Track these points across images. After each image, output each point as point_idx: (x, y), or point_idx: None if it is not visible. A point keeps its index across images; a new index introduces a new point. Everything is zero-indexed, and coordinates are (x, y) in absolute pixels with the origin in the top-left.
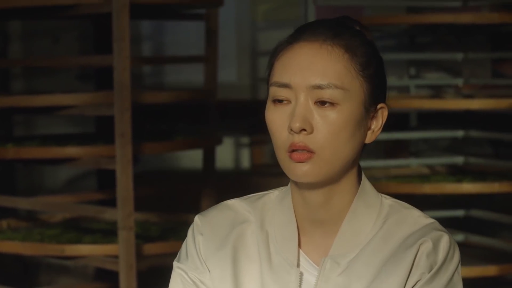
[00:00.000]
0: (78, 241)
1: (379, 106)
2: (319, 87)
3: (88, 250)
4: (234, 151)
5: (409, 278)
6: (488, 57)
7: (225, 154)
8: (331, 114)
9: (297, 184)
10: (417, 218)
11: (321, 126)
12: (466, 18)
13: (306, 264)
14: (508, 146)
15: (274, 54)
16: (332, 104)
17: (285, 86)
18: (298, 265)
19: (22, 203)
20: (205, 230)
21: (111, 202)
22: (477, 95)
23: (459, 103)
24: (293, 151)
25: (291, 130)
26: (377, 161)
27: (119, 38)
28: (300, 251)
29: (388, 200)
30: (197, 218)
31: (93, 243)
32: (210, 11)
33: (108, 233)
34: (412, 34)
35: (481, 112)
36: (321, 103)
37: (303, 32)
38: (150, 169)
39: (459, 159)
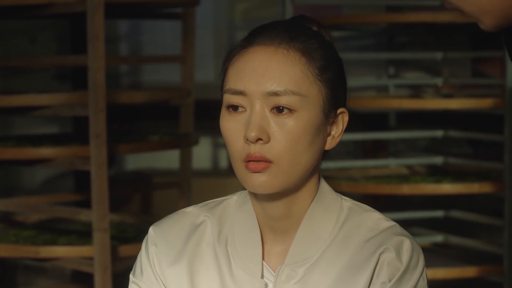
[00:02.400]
0: (53, 242)
1: (339, 111)
2: (275, 93)
3: (63, 251)
4: (212, 151)
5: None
6: (468, 56)
7: (203, 154)
8: (289, 121)
9: (255, 194)
10: (376, 221)
11: (278, 135)
12: (445, 17)
13: (267, 273)
14: (487, 146)
15: (228, 58)
16: (289, 111)
17: (240, 93)
18: (262, 276)
19: None
20: (159, 241)
21: (88, 203)
22: (456, 95)
23: (438, 102)
24: (249, 161)
25: (247, 139)
26: (356, 161)
27: (94, 37)
28: (264, 261)
29: (348, 203)
30: (151, 229)
31: (68, 245)
32: (187, 10)
33: (84, 235)
34: (391, 33)
35: (460, 112)
36: (278, 110)
37: (257, 35)
38: (126, 169)
39: (438, 159)
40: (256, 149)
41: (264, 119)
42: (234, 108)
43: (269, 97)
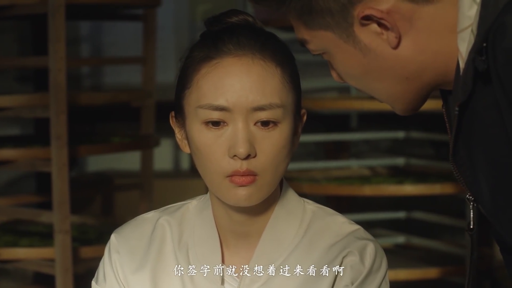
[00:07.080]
0: (14, 244)
1: (302, 112)
2: (261, 108)
3: (24, 253)
4: (173, 153)
5: None
6: None
7: (164, 156)
8: (274, 134)
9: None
10: (341, 225)
11: (264, 148)
12: None
13: (230, 279)
14: (449, 147)
15: (194, 69)
16: (274, 124)
17: (222, 109)
18: (222, 282)
19: None
20: (122, 248)
21: (50, 205)
22: None
23: None
24: (234, 175)
25: (234, 155)
26: (317, 162)
27: (55, 39)
28: (224, 265)
29: (311, 206)
30: (113, 236)
31: (29, 247)
32: (148, 11)
33: (45, 236)
34: None
35: (422, 113)
36: (263, 124)
37: (223, 43)
38: (88, 171)
39: (400, 160)
40: (244, 165)
41: (251, 134)
42: (215, 123)
43: (254, 111)
